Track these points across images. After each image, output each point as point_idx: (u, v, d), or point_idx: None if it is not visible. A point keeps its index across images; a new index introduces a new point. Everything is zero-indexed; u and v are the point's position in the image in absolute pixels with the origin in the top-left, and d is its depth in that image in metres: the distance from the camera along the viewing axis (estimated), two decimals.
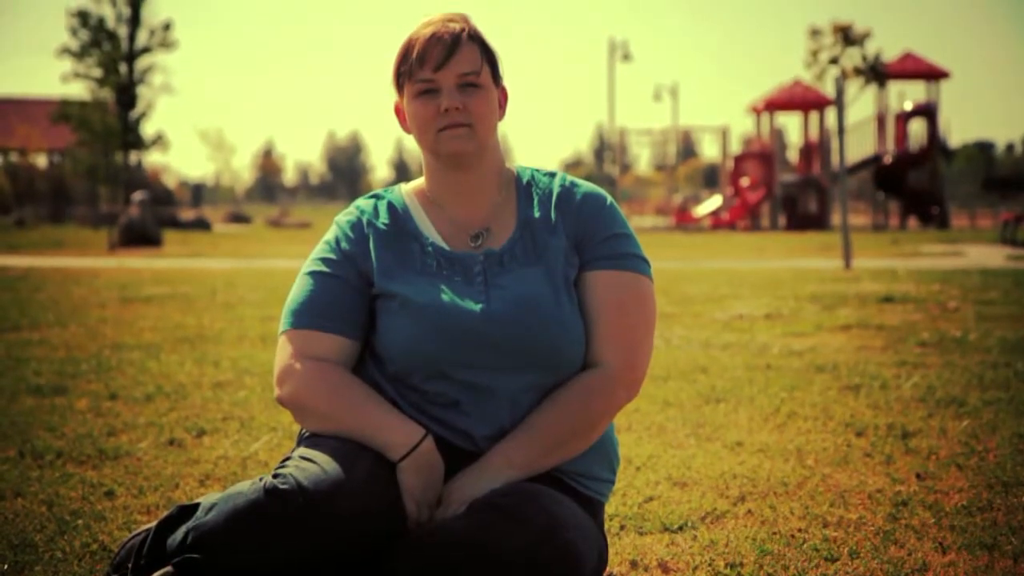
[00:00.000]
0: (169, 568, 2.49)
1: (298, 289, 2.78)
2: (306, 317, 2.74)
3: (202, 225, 40.95)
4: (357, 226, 2.81)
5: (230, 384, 6.01)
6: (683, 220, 40.39)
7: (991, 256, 18.93)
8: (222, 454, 4.36)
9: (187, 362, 6.82)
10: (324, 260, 2.79)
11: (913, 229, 36.15)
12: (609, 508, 3.55)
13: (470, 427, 2.68)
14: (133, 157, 43.54)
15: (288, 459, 2.61)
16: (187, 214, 49.34)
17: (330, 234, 2.84)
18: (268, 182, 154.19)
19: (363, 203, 2.87)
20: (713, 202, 41.80)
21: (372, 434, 2.62)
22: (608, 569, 3.00)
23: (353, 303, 2.75)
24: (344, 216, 2.85)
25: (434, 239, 2.79)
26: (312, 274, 2.79)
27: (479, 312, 2.67)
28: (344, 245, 2.79)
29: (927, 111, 37.75)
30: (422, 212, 2.83)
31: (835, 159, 36.02)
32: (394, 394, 2.72)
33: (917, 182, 37.86)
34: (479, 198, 2.82)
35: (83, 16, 41.24)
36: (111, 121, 40.79)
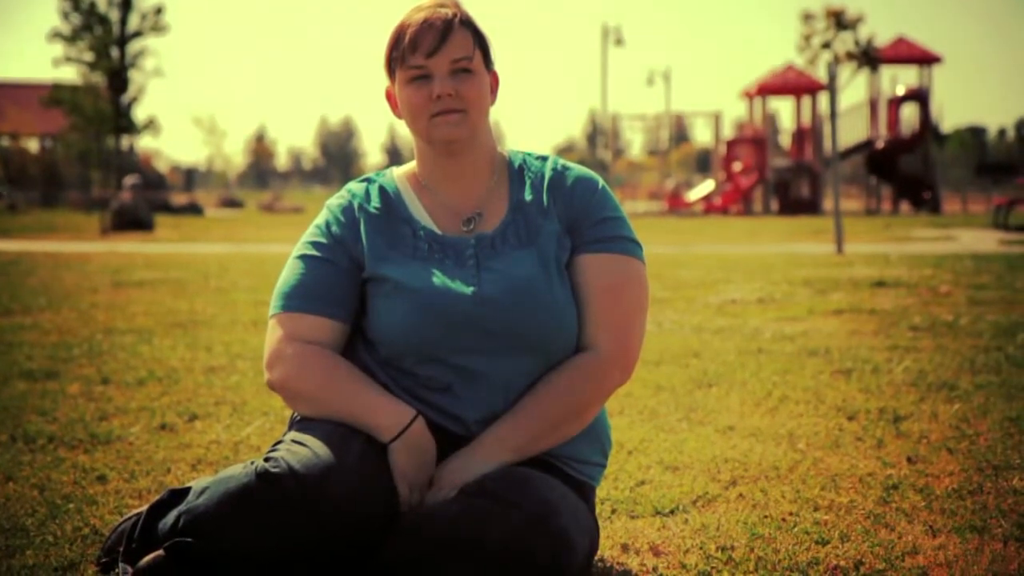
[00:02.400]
0: (160, 552, 2.49)
1: (288, 272, 2.78)
2: (296, 300, 2.73)
3: (194, 210, 40.87)
4: (348, 210, 2.81)
5: (222, 369, 6.01)
6: (676, 205, 40.38)
7: (983, 241, 18.95)
8: (214, 439, 4.36)
9: (179, 347, 6.81)
10: (315, 244, 2.79)
11: (905, 214, 36.17)
12: (601, 492, 3.55)
13: (462, 411, 2.68)
14: (125, 142, 43.48)
15: (280, 443, 2.61)
16: (179, 199, 49.25)
17: (321, 218, 2.84)
18: (260, 167, 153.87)
19: (354, 187, 2.87)
20: (706, 187, 41.78)
21: (362, 416, 2.62)
22: (599, 553, 3.01)
23: (343, 286, 2.75)
24: (335, 200, 2.85)
25: (426, 223, 2.79)
26: (302, 257, 2.78)
27: (471, 295, 2.67)
28: (335, 229, 2.79)
29: (919, 96, 37.74)
30: (414, 196, 2.83)
31: (827, 144, 35.99)
32: (385, 378, 2.72)
33: (909, 167, 37.86)
34: (471, 183, 2.81)
35: (75, 0, 41.13)
36: (103, 105, 40.74)
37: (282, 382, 2.71)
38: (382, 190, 2.83)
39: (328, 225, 2.80)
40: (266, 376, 2.74)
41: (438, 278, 2.70)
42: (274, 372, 2.72)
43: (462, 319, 2.66)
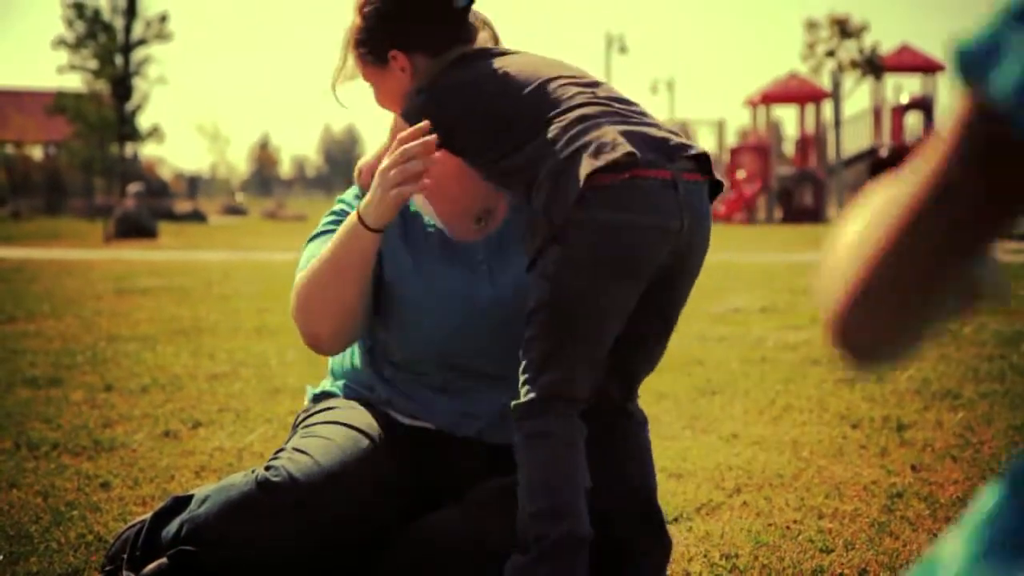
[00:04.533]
0: (164, 560, 2.49)
1: (306, 253, 2.76)
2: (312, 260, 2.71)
3: (198, 217, 40.84)
4: (359, 199, 2.81)
5: (225, 376, 6.01)
6: None
7: None
8: (218, 446, 4.36)
9: (183, 354, 6.81)
10: (330, 221, 2.79)
11: None
12: None
13: (474, 408, 2.69)
14: (129, 149, 43.46)
15: (281, 450, 2.61)
16: (183, 206, 49.23)
17: (334, 207, 2.85)
18: (264, 174, 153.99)
19: None
20: None
21: (339, 249, 2.59)
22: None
23: None
24: (348, 193, 2.86)
25: (436, 224, 2.79)
26: (317, 236, 2.78)
27: (487, 298, 2.67)
28: (349, 211, 2.79)
29: (924, 104, 37.72)
30: (421, 197, 2.82)
31: (831, 152, 36.00)
32: (400, 381, 2.73)
33: None
34: (479, 180, 2.81)
35: (79, 7, 41.17)
36: (107, 113, 40.74)
37: (294, 308, 2.67)
38: None
39: (341, 210, 2.81)
40: (295, 321, 2.69)
41: (453, 282, 2.70)
42: (292, 306, 2.68)
43: (480, 321, 2.66)
